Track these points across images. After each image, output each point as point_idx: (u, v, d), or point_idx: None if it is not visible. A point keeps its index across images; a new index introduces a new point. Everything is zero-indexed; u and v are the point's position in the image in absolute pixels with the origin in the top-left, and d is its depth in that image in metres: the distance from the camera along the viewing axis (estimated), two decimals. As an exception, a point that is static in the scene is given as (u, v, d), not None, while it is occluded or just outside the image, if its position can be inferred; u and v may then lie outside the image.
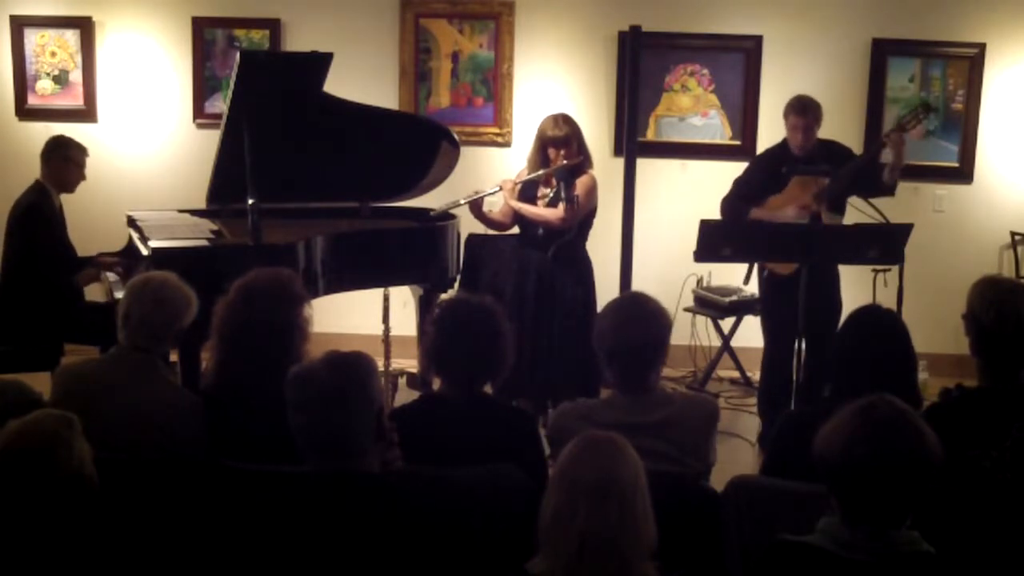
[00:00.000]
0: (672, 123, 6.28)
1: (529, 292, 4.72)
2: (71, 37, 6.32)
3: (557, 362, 4.70)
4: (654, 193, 6.10)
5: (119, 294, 4.26)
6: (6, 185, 5.24)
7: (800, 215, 4.62)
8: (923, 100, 5.79)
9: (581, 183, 4.69)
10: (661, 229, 6.00)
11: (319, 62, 4.63)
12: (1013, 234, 6.21)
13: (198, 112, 6.36)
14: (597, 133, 6.04)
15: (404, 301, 5.58)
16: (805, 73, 6.11)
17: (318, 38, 5.88)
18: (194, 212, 5.02)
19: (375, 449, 2.26)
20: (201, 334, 3.18)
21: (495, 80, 6.28)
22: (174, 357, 3.97)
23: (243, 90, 4.35)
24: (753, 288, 5.46)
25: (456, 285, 5.04)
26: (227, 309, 3.02)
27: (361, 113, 4.91)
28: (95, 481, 2.21)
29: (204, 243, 4.44)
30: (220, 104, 6.09)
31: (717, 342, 6.14)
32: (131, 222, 4.98)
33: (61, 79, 6.37)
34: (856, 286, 5.15)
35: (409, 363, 5.45)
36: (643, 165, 5.35)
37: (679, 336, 5.56)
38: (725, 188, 4.97)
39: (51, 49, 6.34)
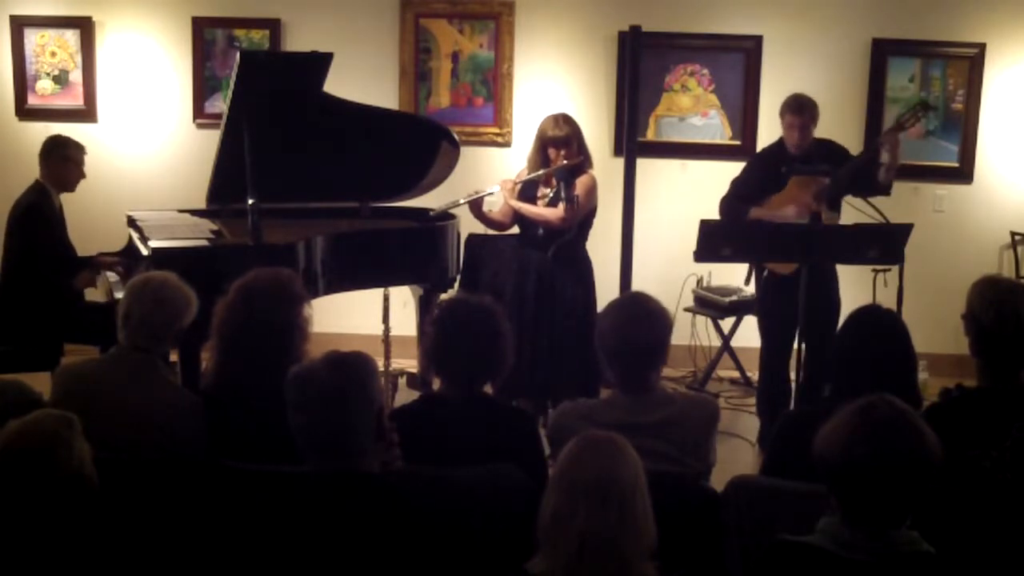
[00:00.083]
0: (672, 123, 6.28)
1: (529, 292, 4.71)
2: (71, 37, 6.32)
3: (557, 362, 4.70)
4: (654, 193, 6.10)
5: (119, 294, 4.26)
6: (6, 185, 5.25)
7: (800, 215, 4.62)
8: (922, 99, 5.79)
9: (581, 183, 4.69)
10: (661, 229, 6.00)
11: (319, 62, 4.63)
12: (1013, 234, 6.21)
13: (198, 112, 6.36)
14: (597, 133, 6.04)
15: (404, 301, 5.58)
16: (805, 73, 6.11)
17: (318, 38, 5.88)
18: (194, 212, 5.02)
19: (375, 449, 2.26)
20: (201, 334, 3.18)
21: (495, 80, 6.28)
22: (174, 357, 3.98)
23: (243, 90, 4.35)
24: (753, 288, 5.46)
25: (456, 285, 5.03)
26: (227, 309, 3.02)
27: (361, 113, 4.91)
28: (95, 481, 2.21)
29: (204, 243, 4.44)
30: (220, 104, 6.09)
31: (717, 342, 6.14)
32: (131, 222, 4.98)
33: (61, 79, 6.37)
34: (856, 286, 5.15)
35: (409, 363, 5.45)
36: (643, 165, 5.35)
37: (679, 336, 5.56)
38: (725, 188, 4.96)
39: (51, 49, 6.34)
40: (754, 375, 5.61)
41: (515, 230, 4.93)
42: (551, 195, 4.75)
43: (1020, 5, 6.11)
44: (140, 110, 6.38)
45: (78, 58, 6.34)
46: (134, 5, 6.31)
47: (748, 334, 5.74)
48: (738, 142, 6.22)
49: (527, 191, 4.83)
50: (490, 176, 5.53)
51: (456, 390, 2.87)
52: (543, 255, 4.71)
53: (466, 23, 6.28)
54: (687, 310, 6.04)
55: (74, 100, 6.38)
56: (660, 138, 6.27)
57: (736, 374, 6.16)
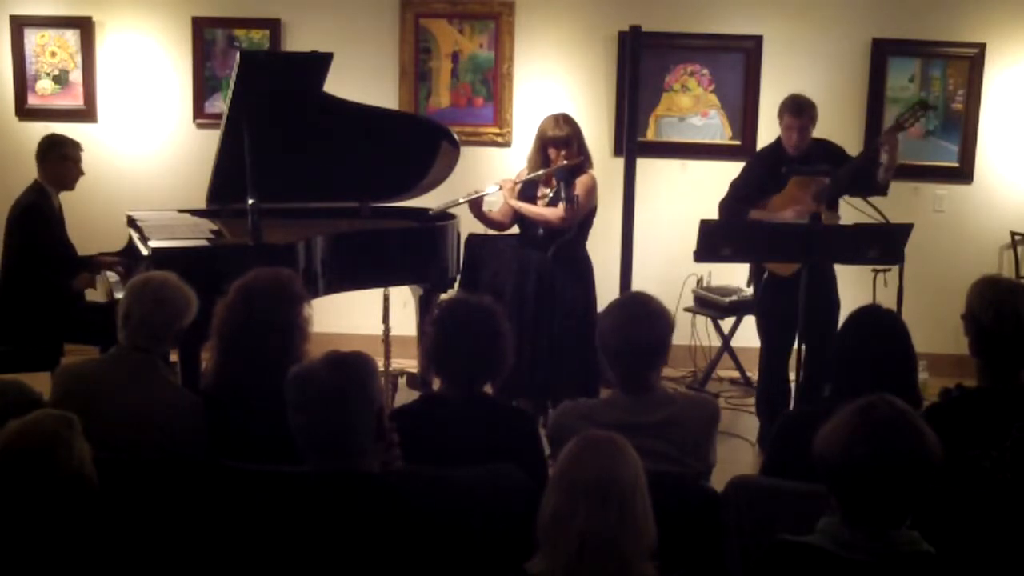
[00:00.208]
0: (672, 123, 6.28)
1: (529, 292, 4.71)
2: (71, 37, 6.32)
3: (557, 362, 4.70)
4: (654, 193, 6.10)
5: (119, 294, 4.26)
6: (6, 185, 5.25)
7: (799, 217, 4.61)
8: (922, 98, 5.79)
9: (581, 183, 4.69)
10: (661, 229, 6.00)
11: (319, 62, 4.63)
12: (1013, 234, 6.21)
13: (198, 112, 6.36)
14: (597, 133, 6.04)
15: (404, 301, 5.58)
16: (805, 73, 6.11)
17: (318, 38, 5.89)
18: (194, 212, 5.02)
19: (375, 449, 2.26)
20: (201, 334, 3.18)
21: (495, 80, 6.28)
22: (174, 357, 3.98)
23: (243, 90, 4.35)
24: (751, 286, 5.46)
25: (456, 285, 5.03)
26: (227, 309, 3.02)
27: (361, 113, 4.91)
28: (95, 481, 2.21)
29: (204, 243, 4.44)
30: (220, 104, 6.09)
31: (717, 342, 6.14)
32: (131, 222, 4.98)
33: (61, 79, 6.37)
34: (856, 286, 5.16)
35: (409, 363, 5.45)
36: (643, 165, 5.36)
37: (679, 336, 5.53)
38: (725, 188, 4.96)
39: (51, 49, 6.34)
40: (754, 375, 5.61)
41: (515, 230, 4.93)
42: (551, 195, 4.75)
43: (1020, 5, 6.11)
44: (140, 110, 6.38)
45: (78, 58, 6.34)
46: (134, 5, 6.31)
47: (748, 334, 5.74)
48: (738, 142, 6.22)
49: (527, 191, 4.83)
50: (490, 176, 5.53)
51: (456, 390, 2.87)
52: (543, 255, 4.71)
53: (466, 23, 6.28)
54: (687, 310, 6.04)
55: (74, 100, 6.38)
56: (660, 138, 6.27)
57: (736, 374, 6.16)
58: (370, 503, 2.16)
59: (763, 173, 4.84)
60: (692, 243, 4.40)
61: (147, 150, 6.40)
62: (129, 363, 3.02)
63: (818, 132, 4.85)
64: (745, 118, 6.22)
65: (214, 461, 2.75)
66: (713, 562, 2.67)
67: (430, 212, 5.02)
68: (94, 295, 4.84)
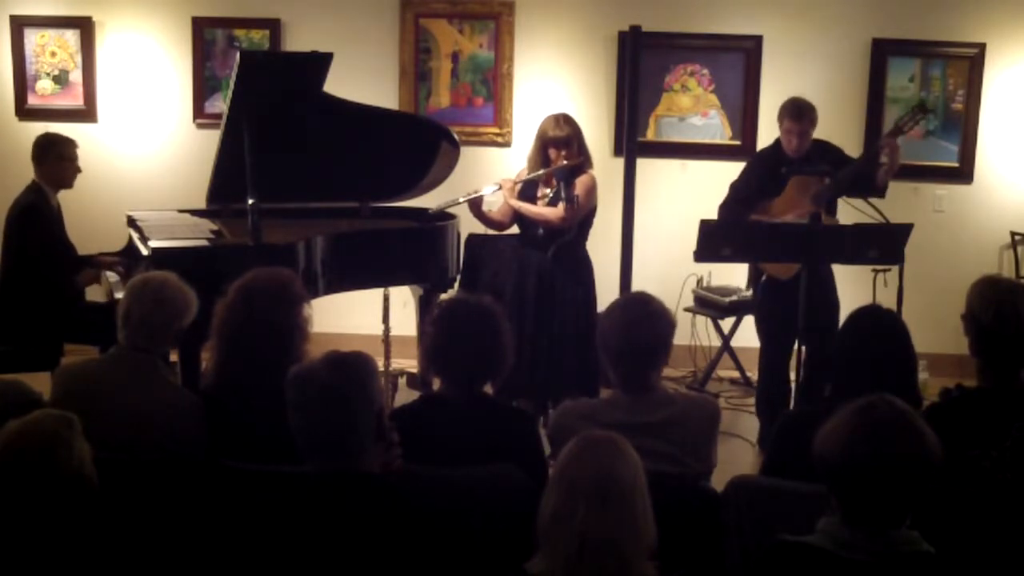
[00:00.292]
0: (672, 123, 6.28)
1: (529, 292, 4.71)
2: (71, 37, 6.32)
3: (557, 362, 4.70)
4: (654, 193, 6.10)
5: (119, 294, 4.25)
6: (6, 185, 5.25)
7: (799, 220, 4.61)
8: (920, 101, 5.78)
9: (581, 183, 4.68)
10: (661, 229, 6.00)
11: (319, 62, 4.63)
12: (1013, 234, 6.21)
13: (198, 112, 6.36)
14: (597, 133, 6.04)
15: (404, 301, 5.58)
16: (805, 73, 6.11)
17: (318, 38, 5.88)
18: (194, 212, 5.02)
19: (375, 449, 2.26)
20: (201, 334, 3.18)
21: (495, 80, 6.28)
22: (174, 357, 3.98)
23: (243, 90, 4.35)
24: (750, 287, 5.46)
25: (456, 285, 5.03)
26: (227, 309, 3.02)
27: (361, 113, 4.91)
28: (95, 481, 2.21)
29: (204, 243, 4.45)
30: (220, 104, 6.09)
31: (717, 342, 6.14)
32: (131, 222, 4.98)
33: (61, 79, 6.37)
34: (856, 286, 5.16)
35: (409, 363, 5.45)
36: (643, 165, 5.36)
37: (679, 336, 5.49)
38: (725, 188, 4.96)
39: (51, 49, 6.34)
40: (754, 375, 5.61)
41: (515, 230, 4.93)
42: (551, 195, 4.75)
43: (1020, 5, 6.11)
44: (140, 110, 6.38)
45: (78, 58, 6.34)
46: (134, 5, 6.31)
47: (748, 334, 5.73)
48: (738, 142, 6.22)
49: (527, 191, 4.83)
50: (490, 176, 5.52)
51: (456, 390, 2.87)
52: (543, 255, 4.71)
53: (466, 23, 6.28)
54: (687, 310, 6.04)
55: (74, 100, 6.38)
56: (660, 138, 6.27)
57: (736, 374, 6.16)
58: (370, 503, 2.16)
59: (763, 175, 4.84)
60: (692, 243, 4.40)
61: (147, 150, 6.40)
62: (129, 363, 3.02)
63: (818, 132, 4.85)
64: (745, 118, 6.22)
65: (214, 461, 2.75)
66: (713, 562, 2.67)
67: (430, 212, 5.02)
68: (94, 295, 4.84)
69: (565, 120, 4.75)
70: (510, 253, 4.86)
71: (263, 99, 4.39)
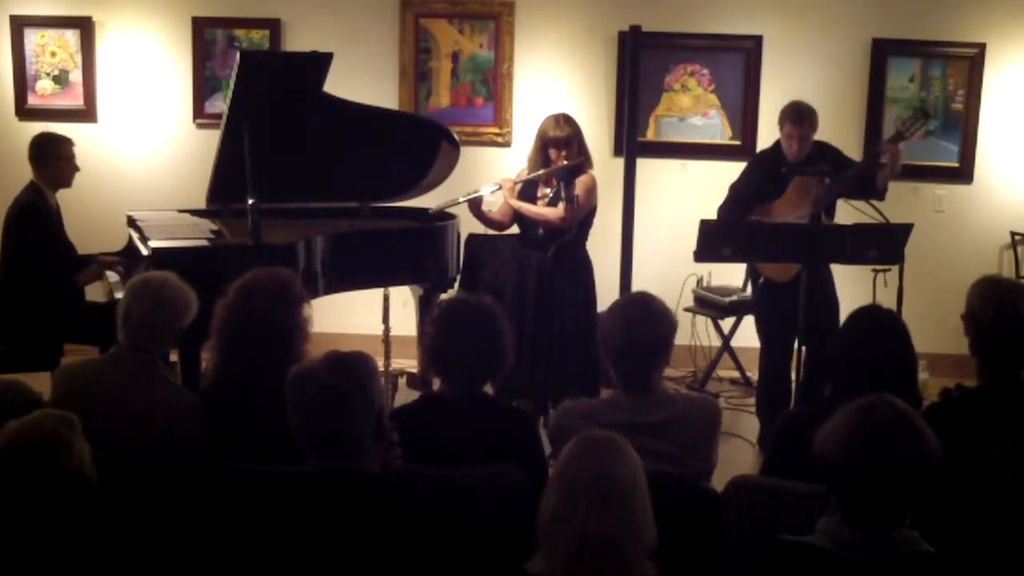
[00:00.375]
0: (672, 123, 6.28)
1: (529, 292, 4.71)
2: (71, 37, 6.32)
3: (557, 362, 4.70)
4: (654, 193, 6.10)
5: (119, 294, 4.25)
6: (5, 186, 5.24)
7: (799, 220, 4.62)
8: (922, 106, 5.76)
9: (581, 183, 4.68)
10: (661, 229, 6.00)
11: (319, 62, 4.63)
12: (1013, 234, 6.21)
13: (198, 112, 6.36)
14: (597, 133, 6.04)
15: (404, 301, 5.58)
16: (805, 73, 6.12)
17: (318, 38, 5.89)
18: (194, 212, 5.02)
19: (375, 449, 2.26)
20: (201, 334, 3.18)
21: (495, 80, 6.28)
22: (174, 357, 3.97)
23: (243, 90, 4.35)
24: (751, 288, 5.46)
25: (456, 285, 5.03)
26: (227, 309, 3.02)
27: (361, 113, 4.91)
28: (95, 481, 2.21)
29: (204, 243, 4.45)
30: (220, 104, 6.09)
31: (717, 342, 6.14)
32: (131, 222, 4.98)
33: (61, 79, 6.37)
34: (856, 286, 5.16)
35: (409, 363, 5.45)
36: (643, 165, 5.36)
37: (679, 336, 5.51)
38: (725, 188, 4.96)
39: (51, 49, 6.34)
40: (754, 375, 5.61)
41: (515, 230, 4.93)
42: (551, 195, 4.75)
43: (1020, 5, 6.11)
44: (140, 110, 6.38)
45: (78, 58, 6.34)
46: (134, 5, 6.31)
47: (748, 334, 5.74)
48: (738, 142, 6.22)
49: (527, 191, 4.83)
50: (490, 176, 5.52)
51: (456, 390, 2.87)
52: (543, 255, 4.70)
53: (466, 23, 6.28)
54: (687, 310, 6.03)
55: (74, 100, 6.38)
56: (660, 138, 6.27)
57: (736, 374, 6.16)
58: (370, 503, 2.16)
59: (763, 176, 4.84)
60: (692, 243, 4.40)
61: (147, 150, 6.40)
62: (129, 363, 3.02)
63: (818, 132, 4.84)
64: (745, 118, 6.22)
65: (214, 461, 2.75)
66: (713, 562, 2.67)
67: (430, 212, 5.02)
68: (94, 295, 4.84)
69: (565, 120, 4.75)
70: (510, 253, 4.86)
71: (263, 99, 4.39)
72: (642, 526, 1.98)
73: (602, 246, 5.06)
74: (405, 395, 5.41)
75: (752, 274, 5.10)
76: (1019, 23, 6.12)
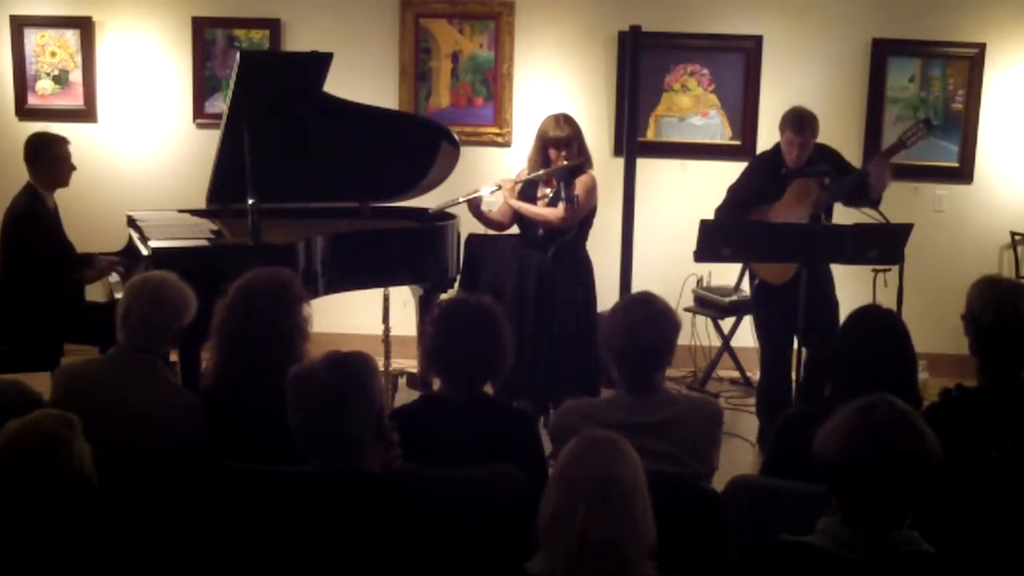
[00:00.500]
0: (672, 123, 6.28)
1: (529, 292, 4.71)
2: (71, 37, 6.32)
3: (557, 362, 4.70)
4: (654, 193, 6.10)
5: (119, 294, 4.25)
6: (5, 186, 5.24)
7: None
8: (927, 117, 5.72)
9: (581, 183, 4.68)
10: (661, 229, 6.00)
11: (319, 62, 4.63)
12: (1013, 234, 6.21)
13: (198, 112, 6.36)
14: (597, 133, 6.04)
15: (404, 301, 5.58)
16: (805, 73, 6.12)
17: (318, 38, 5.89)
18: (194, 212, 5.02)
19: (375, 449, 2.26)
20: (201, 334, 3.18)
21: (495, 80, 6.28)
22: (174, 357, 3.97)
23: (243, 90, 4.35)
24: (748, 289, 5.46)
25: (456, 285, 5.03)
26: (227, 309, 3.02)
27: (361, 113, 4.91)
28: (95, 481, 2.21)
29: (204, 243, 4.45)
30: (220, 104, 6.09)
31: (717, 342, 6.14)
32: (131, 222, 4.98)
33: (61, 79, 6.37)
34: (856, 286, 5.15)
35: (409, 363, 5.45)
36: (643, 165, 5.36)
37: (679, 336, 5.56)
38: (725, 188, 4.95)
39: (51, 49, 6.34)
40: (754, 375, 5.62)
41: (515, 230, 4.93)
42: (551, 195, 4.75)
43: (1020, 5, 6.11)
44: (140, 110, 6.38)
45: (78, 58, 6.34)
46: (134, 5, 6.31)
47: (748, 334, 5.74)
48: (738, 142, 6.22)
49: (527, 191, 4.83)
50: (490, 176, 5.52)
51: (456, 390, 2.87)
52: (543, 255, 4.70)
53: (466, 23, 6.28)
54: (687, 310, 6.03)
55: (74, 100, 6.38)
56: (660, 138, 6.27)
57: (736, 374, 6.16)
58: (370, 503, 2.16)
59: (763, 178, 4.83)
60: (692, 243, 4.40)
61: (147, 150, 6.40)
62: (129, 363, 3.02)
63: (819, 133, 4.84)
64: (745, 118, 6.22)
65: (214, 461, 2.75)
66: (713, 562, 2.67)
67: (430, 212, 5.02)
68: (94, 295, 4.84)
69: (565, 120, 4.74)
70: (510, 253, 4.86)
71: (263, 99, 4.40)
72: (642, 526, 1.98)
73: (602, 246, 5.06)
74: (405, 395, 5.41)
75: (749, 274, 5.10)
76: (1019, 23, 6.12)
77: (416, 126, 5.35)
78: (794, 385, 4.74)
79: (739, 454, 4.95)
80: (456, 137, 5.14)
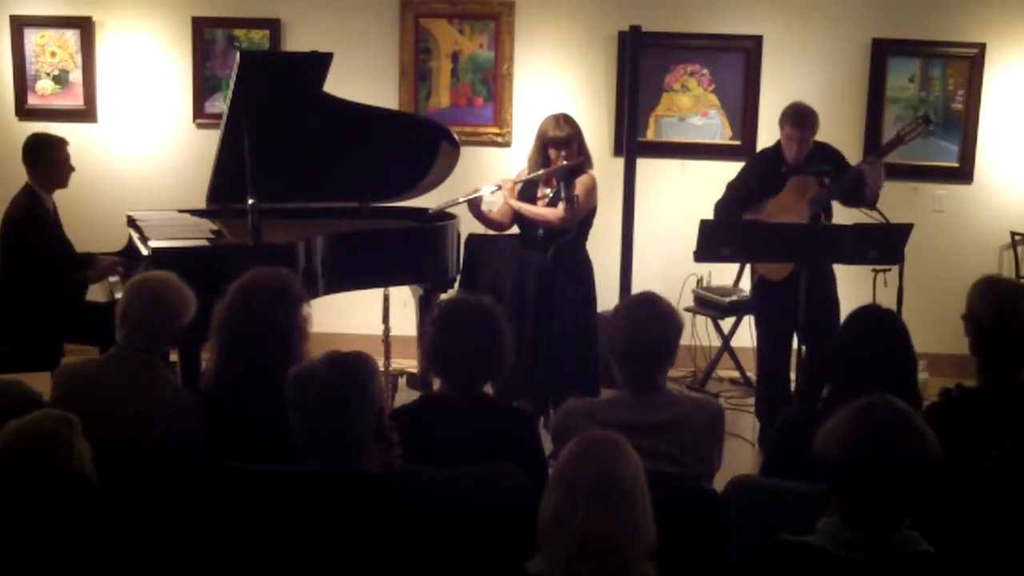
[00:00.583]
0: (672, 123, 6.28)
1: (529, 292, 4.71)
2: (71, 37, 6.32)
3: (557, 362, 4.70)
4: (654, 193, 6.10)
5: (119, 294, 4.25)
6: (5, 186, 5.24)
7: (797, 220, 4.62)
8: (924, 111, 5.74)
9: (581, 183, 4.68)
10: (661, 229, 6.00)
11: (319, 62, 4.63)
12: (1013, 234, 6.21)
13: (198, 112, 6.36)
14: (597, 133, 6.04)
15: (404, 301, 5.58)
16: (805, 73, 6.12)
17: (318, 38, 5.88)
18: (194, 212, 5.02)
19: (375, 449, 2.26)
20: (201, 334, 3.18)
21: (495, 80, 6.28)
22: (174, 357, 3.97)
23: (243, 90, 4.35)
24: (746, 287, 5.46)
25: (456, 285, 5.03)
26: (226, 309, 3.01)
27: (361, 113, 4.91)
28: (95, 481, 2.21)
29: (204, 243, 4.45)
30: (220, 104, 6.09)
31: (717, 342, 6.14)
32: (131, 222, 4.98)
33: (61, 79, 6.37)
34: (856, 286, 5.15)
35: (409, 363, 5.45)
36: (643, 165, 5.36)
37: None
38: (725, 188, 4.96)
39: (51, 49, 6.34)
40: (754, 375, 5.61)
41: (515, 230, 4.93)
42: (551, 195, 4.75)
43: (1020, 5, 6.11)
44: (140, 110, 6.38)
45: (78, 58, 6.34)
46: (134, 5, 6.31)
47: (748, 334, 5.74)
48: (738, 142, 6.22)
49: (527, 191, 4.83)
50: (490, 176, 5.52)
51: (456, 390, 2.87)
52: (543, 255, 4.70)
53: (466, 23, 6.28)
54: (687, 310, 6.03)
55: (74, 100, 6.38)
56: (660, 138, 6.27)
57: (736, 374, 6.16)
58: (370, 503, 2.16)
59: (763, 174, 4.84)
60: (692, 243, 4.40)
61: (147, 150, 6.40)
62: (129, 363, 3.02)
63: (819, 133, 4.84)
64: (745, 118, 6.22)
65: (214, 461, 2.75)
66: (713, 562, 2.67)
67: (430, 212, 5.02)
68: (94, 295, 4.84)
69: (565, 120, 4.74)
70: (510, 253, 4.86)
71: (263, 99, 4.40)
72: (642, 526, 1.98)
73: (602, 246, 5.06)
74: (405, 395, 5.41)
75: (751, 269, 5.09)
76: (1019, 23, 6.12)
77: (416, 126, 5.35)
78: (792, 385, 4.74)
79: (739, 454, 4.95)
80: (456, 137, 5.14)
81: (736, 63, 6.21)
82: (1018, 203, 6.24)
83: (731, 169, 5.21)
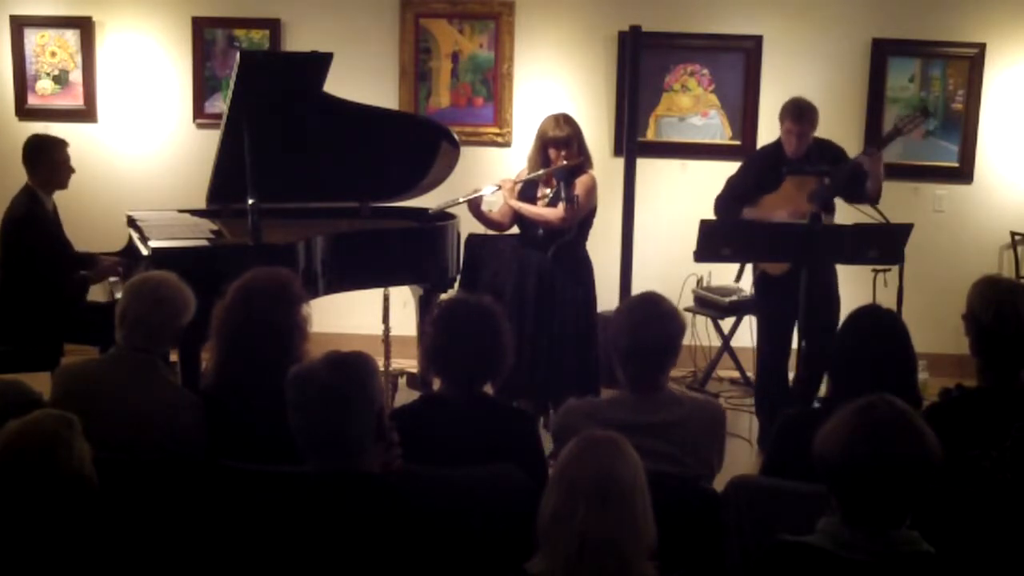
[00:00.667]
0: (672, 123, 6.28)
1: (529, 292, 4.71)
2: (71, 37, 6.32)
3: (557, 362, 4.70)
4: (654, 193, 6.10)
5: (119, 294, 4.25)
6: (5, 186, 5.24)
7: (793, 217, 4.62)
8: (922, 104, 5.77)
9: (581, 183, 4.68)
10: (661, 229, 6.00)
11: (319, 62, 4.63)
12: (1013, 234, 6.21)
13: (198, 112, 6.36)
14: (597, 133, 6.04)
15: (404, 301, 5.58)
16: (805, 73, 6.11)
17: (318, 38, 5.88)
18: (194, 212, 5.02)
19: (375, 449, 2.26)
20: (201, 334, 3.18)
21: (495, 80, 6.28)
22: (174, 357, 3.97)
23: (243, 90, 4.35)
24: (746, 286, 5.46)
25: (456, 285, 5.03)
26: (226, 310, 3.02)
27: (361, 113, 4.91)
28: (95, 481, 2.21)
29: (204, 243, 4.45)
30: (220, 104, 6.09)
31: (717, 342, 6.14)
32: (131, 222, 4.98)
33: (61, 79, 6.37)
34: (856, 286, 5.15)
35: (409, 363, 5.45)
36: (643, 165, 5.36)
37: (679, 336, 5.56)
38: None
39: (51, 49, 6.34)
40: (754, 375, 5.61)
41: (515, 230, 4.93)
42: (551, 195, 4.75)
43: (1020, 5, 6.11)
44: (140, 110, 6.38)
45: (78, 58, 6.34)
46: (134, 5, 6.31)
47: (748, 334, 5.74)
48: (738, 142, 6.22)
49: (527, 191, 4.83)
50: (490, 176, 5.52)
51: (456, 390, 2.87)
52: (543, 255, 4.70)
53: (466, 23, 6.28)
54: (687, 310, 6.02)
55: (74, 100, 6.38)
56: (660, 138, 6.27)
57: (736, 374, 6.16)
58: (370, 503, 2.16)
59: (763, 170, 4.84)
60: (692, 243, 4.40)
61: (147, 150, 6.40)
62: (129, 363, 3.02)
63: (818, 132, 4.85)
64: (745, 118, 6.22)
65: (214, 461, 2.75)
66: (713, 562, 2.67)
67: (430, 212, 5.02)
68: (94, 295, 4.84)
69: (565, 120, 4.74)
70: (510, 253, 4.86)
71: (263, 99, 4.40)
72: (642, 526, 1.98)
73: (602, 246, 5.06)
74: (405, 395, 5.41)
75: (753, 266, 5.09)
76: (1019, 23, 6.12)
77: (416, 126, 5.35)
78: (791, 383, 4.74)
79: (739, 454, 4.95)
80: (456, 137, 5.14)
81: (736, 63, 6.21)
82: (1018, 203, 6.24)
83: (731, 169, 5.20)
